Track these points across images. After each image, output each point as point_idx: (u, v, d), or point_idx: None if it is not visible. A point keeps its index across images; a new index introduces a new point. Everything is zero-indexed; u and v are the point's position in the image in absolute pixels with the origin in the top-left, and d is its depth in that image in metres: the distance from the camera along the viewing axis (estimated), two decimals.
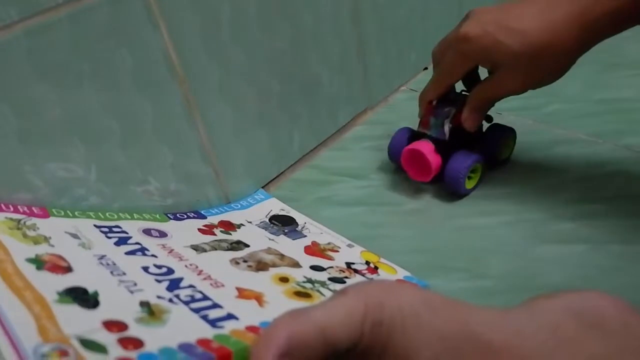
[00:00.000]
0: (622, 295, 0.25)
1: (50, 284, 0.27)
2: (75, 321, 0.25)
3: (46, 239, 0.31)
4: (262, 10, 0.46)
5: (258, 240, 0.41)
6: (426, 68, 0.70)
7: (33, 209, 0.34)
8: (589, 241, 0.42)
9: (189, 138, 0.44)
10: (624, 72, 0.62)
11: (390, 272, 0.40)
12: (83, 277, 0.29)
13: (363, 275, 0.39)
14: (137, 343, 0.24)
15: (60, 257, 0.30)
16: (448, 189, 0.48)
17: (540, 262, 0.41)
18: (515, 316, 0.26)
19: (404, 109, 0.63)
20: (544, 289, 0.28)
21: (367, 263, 0.40)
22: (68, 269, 0.29)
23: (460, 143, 0.48)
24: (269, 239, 0.41)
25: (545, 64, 0.43)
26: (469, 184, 0.48)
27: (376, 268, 0.40)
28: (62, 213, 0.35)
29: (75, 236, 0.33)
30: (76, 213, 0.36)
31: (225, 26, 0.44)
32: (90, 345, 0.23)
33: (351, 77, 0.59)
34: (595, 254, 0.41)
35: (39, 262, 0.29)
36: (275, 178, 0.53)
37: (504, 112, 0.59)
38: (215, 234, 0.40)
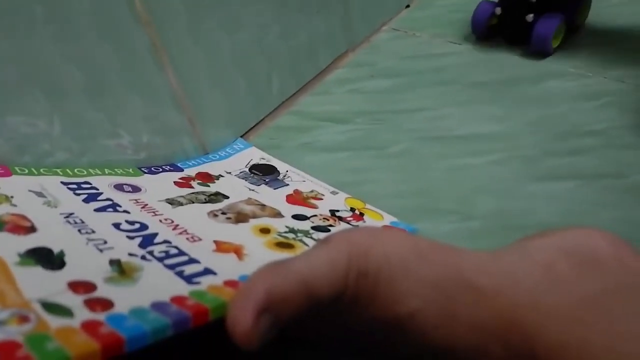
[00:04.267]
0: (616, 230, 0.24)
1: (10, 246, 0.25)
2: (38, 284, 0.23)
3: (7, 199, 0.29)
4: None
5: (238, 191, 0.39)
6: (408, 6, 0.68)
7: None
8: (580, 176, 0.41)
9: (159, 85, 0.41)
10: (613, 1, 0.60)
11: (377, 218, 0.38)
12: (47, 237, 0.27)
13: (348, 222, 0.37)
14: (105, 304, 0.22)
15: (23, 217, 0.28)
16: (536, 48, 0.53)
17: (531, 200, 0.40)
18: (507, 258, 0.25)
19: (387, 49, 0.61)
20: (535, 228, 0.27)
21: (352, 210, 0.39)
22: (31, 229, 0.27)
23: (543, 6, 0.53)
24: (250, 190, 0.40)
25: None
26: (554, 44, 0.53)
27: (362, 215, 0.38)
28: (26, 171, 0.33)
29: (40, 194, 0.31)
30: (42, 170, 0.34)
31: None
32: (53, 308, 0.21)
33: (331, 17, 0.57)
34: (587, 189, 0.40)
35: None
36: (254, 126, 0.51)
37: (490, 48, 0.57)
38: (192, 187, 0.38)
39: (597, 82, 0.49)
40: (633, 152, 0.42)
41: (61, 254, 0.26)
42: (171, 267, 0.27)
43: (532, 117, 0.47)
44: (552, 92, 0.49)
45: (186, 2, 0.41)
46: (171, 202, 0.35)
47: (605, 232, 0.26)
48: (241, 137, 0.49)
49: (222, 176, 0.41)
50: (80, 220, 0.29)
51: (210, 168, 0.42)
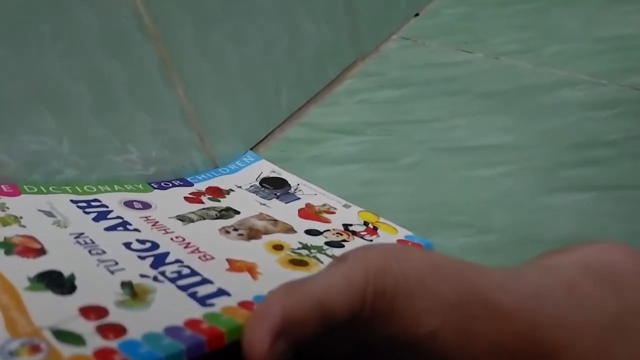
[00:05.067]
0: (633, 243, 0.24)
1: (20, 270, 0.25)
2: (49, 310, 0.22)
3: (17, 219, 0.29)
4: None
5: (249, 205, 0.38)
6: (417, 14, 0.67)
7: (2, 187, 0.32)
8: (596, 188, 0.40)
9: (168, 100, 0.41)
10: (625, 8, 0.59)
11: (391, 232, 0.38)
12: (57, 259, 0.26)
13: (362, 237, 0.37)
14: (118, 330, 0.22)
15: (32, 239, 0.27)
16: None
17: (546, 212, 0.39)
18: (528, 275, 0.24)
19: (396, 58, 0.60)
20: (551, 242, 0.26)
21: (366, 224, 0.38)
22: (41, 251, 0.27)
23: None
24: (261, 204, 0.39)
25: None
26: None
27: (375, 229, 0.38)
28: (35, 189, 0.33)
29: (49, 214, 0.31)
30: (50, 188, 0.33)
31: None
32: (65, 336, 0.21)
33: (339, 27, 0.56)
34: (603, 201, 0.39)
35: (8, 246, 0.26)
36: (264, 138, 0.50)
37: (501, 56, 0.56)
38: (203, 202, 0.38)
39: (612, 91, 0.48)
40: None
41: (72, 277, 0.25)
42: (184, 288, 0.26)
43: (544, 127, 0.46)
44: (565, 101, 0.48)
45: (194, 17, 0.41)
46: (182, 218, 0.34)
47: (625, 246, 0.26)
48: (251, 149, 0.49)
49: (232, 190, 0.41)
50: (91, 240, 0.29)
51: (221, 182, 0.42)
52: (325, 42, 0.55)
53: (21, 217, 0.29)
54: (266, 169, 0.44)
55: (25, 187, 0.33)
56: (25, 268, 0.25)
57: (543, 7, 0.63)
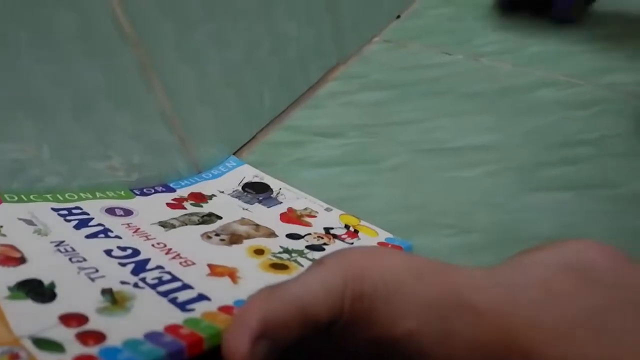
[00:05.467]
0: (612, 240, 0.24)
1: (0, 279, 0.25)
2: (29, 318, 0.22)
3: None
4: None
5: (231, 210, 0.38)
6: (399, 16, 0.67)
7: None
8: (575, 187, 0.41)
9: (149, 105, 0.41)
10: (601, 9, 0.60)
11: (372, 234, 0.38)
12: (38, 267, 0.26)
13: (343, 240, 0.37)
14: (98, 337, 0.22)
15: (13, 248, 0.27)
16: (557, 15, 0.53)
17: (527, 211, 0.40)
18: (503, 274, 0.24)
19: (378, 60, 0.60)
20: (532, 240, 0.26)
21: (347, 227, 0.39)
22: (21, 260, 0.27)
23: None
24: (243, 209, 0.39)
25: None
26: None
27: (356, 232, 0.38)
28: (16, 198, 0.33)
29: (30, 222, 0.31)
30: (32, 197, 0.33)
31: None
32: (44, 344, 0.21)
33: (321, 30, 0.56)
34: (582, 199, 0.40)
35: None
36: (247, 142, 0.51)
37: (482, 57, 0.57)
38: (185, 208, 0.38)
39: (589, 91, 0.49)
40: (627, 160, 0.42)
41: (52, 286, 0.25)
42: (164, 294, 0.26)
43: (525, 127, 0.47)
44: (545, 101, 0.49)
45: (174, 20, 0.41)
46: (164, 224, 0.34)
47: (602, 244, 0.26)
48: (234, 153, 0.49)
49: (215, 196, 0.41)
50: (71, 248, 0.29)
51: (203, 188, 0.42)
52: (307, 45, 0.55)
53: (1, 226, 0.29)
54: (249, 173, 0.45)
55: (6, 196, 0.33)
56: (5, 277, 0.25)
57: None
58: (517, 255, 0.26)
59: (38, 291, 0.25)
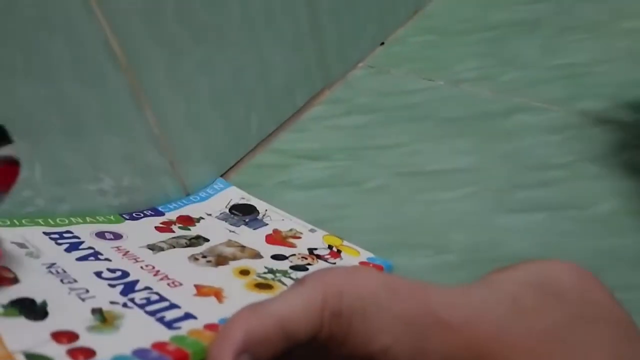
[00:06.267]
0: (583, 259, 0.26)
1: None
2: (22, 335, 0.24)
3: None
4: None
5: (218, 233, 0.40)
6: (383, 43, 0.70)
7: None
8: (549, 208, 0.43)
9: (139, 128, 0.43)
10: (578, 36, 0.62)
11: (354, 254, 0.39)
12: (30, 287, 0.27)
13: (326, 260, 0.38)
14: (88, 353, 0.23)
15: (6, 269, 0.29)
16: None
17: (503, 232, 0.41)
18: (475, 292, 0.26)
19: (362, 85, 0.62)
20: (507, 260, 0.28)
21: (330, 247, 0.40)
22: (14, 280, 0.28)
23: None
24: (230, 231, 0.41)
25: None
26: None
27: (339, 252, 0.39)
28: (8, 222, 0.34)
29: (22, 246, 0.32)
30: (24, 221, 0.35)
31: (168, 9, 0.42)
32: (37, 359, 0.22)
33: (306, 56, 0.58)
34: (555, 220, 0.42)
35: None
36: (234, 165, 0.52)
37: (462, 83, 0.59)
38: (173, 231, 0.39)
39: (562, 116, 0.51)
40: (596, 183, 0.43)
41: (44, 304, 0.26)
42: (152, 313, 0.28)
43: (501, 151, 0.49)
44: (521, 126, 0.51)
45: (164, 47, 0.43)
46: (152, 247, 0.36)
47: (570, 263, 0.28)
48: (221, 176, 0.50)
49: (202, 219, 0.42)
50: (62, 270, 0.30)
51: (191, 211, 0.43)
52: (293, 71, 0.57)
53: None
54: (235, 195, 0.46)
55: None
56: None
57: (503, 36, 0.66)
58: (490, 274, 0.27)
59: (31, 309, 0.26)
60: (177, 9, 0.43)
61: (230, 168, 0.52)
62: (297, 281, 0.26)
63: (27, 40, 0.35)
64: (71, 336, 0.24)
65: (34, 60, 0.35)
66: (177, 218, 0.41)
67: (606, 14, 0.65)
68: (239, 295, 0.32)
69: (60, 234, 0.34)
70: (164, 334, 0.26)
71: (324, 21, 0.59)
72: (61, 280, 0.29)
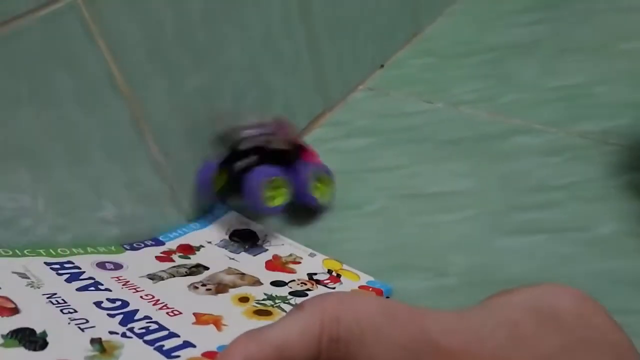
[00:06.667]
0: (582, 282, 0.26)
1: None
2: None
3: None
4: (207, 17, 0.46)
5: (218, 261, 0.40)
6: (382, 65, 0.70)
7: None
8: (548, 230, 0.43)
9: (140, 155, 0.43)
10: (575, 57, 0.63)
11: (353, 278, 0.40)
12: (31, 317, 0.28)
13: (325, 285, 0.38)
14: None
15: (7, 299, 0.29)
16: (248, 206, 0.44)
17: (502, 255, 0.42)
18: (473, 317, 0.26)
19: (362, 108, 0.63)
20: (506, 283, 0.28)
21: (330, 272, 0.40)
22: (15, 311, 0.28)
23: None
24: (230, 258, 0.41)
25: None
26: (272, 201, 0.43)
27: (339, 276, 0.40)
28: (10, 252, 0.34)
29: (24, 276, 0.32)
30: (25, 251, 0.35)
31: (169, 36, 0.43)
32: None
33: (306, 80, 0.59)
34: (554, 243, 0.42)
35: None
36: None
37: (460, 105, 0.59)
38: (173, 260, 0.39)
39: (560, 138, 0.51)
40: (595, 205, 0.43)
41: (44, 334, 0.27)
42: (151, 342, 0.28)
43: (500, 173, 0.49)
44: (519, 148, 0.51)
45: (166, 74, 0.43)
46: (152, 277, 0.36)
47: (569, 287, 0.28)
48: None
49: (202, 247, 0.42)
50: (63, 300, 0.30)
51: (192, 239, 0.43)
52: (293, 94, 0.58)
53: None
54: (236, 221, 0.46)
55: (0, 250, 0.34)
56: (0, 326, 0.26)
57: (501, 57, 0.66)
58: (488, 299, 0.28)
59: (31, 339, 0.26)
60: (177, 35, 0.43)
61: None
62: (296, 307, 0.26)
63: (32, 71, 0.35)
64: None
65: (39, 90, 0.36)
66: (178, 247, 0.42)
67: (604, 35, 0.65)
68: (238, 323, 0.32)
69: (62, 264, 0.35)
70: None
71: (323, 45, 0.60)
72: (61, 311, 0.29)
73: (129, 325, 0.29)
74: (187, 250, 0.41)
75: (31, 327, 0.27)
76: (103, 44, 0.39)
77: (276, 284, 0.38)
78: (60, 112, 0.38)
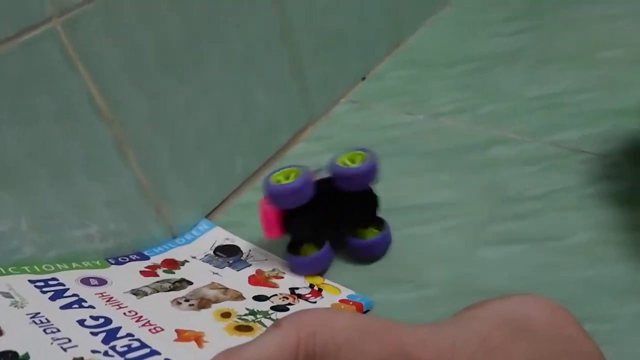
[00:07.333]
0: (560, 291, 0.26)
1: None
2: None
3: None
4: (188, 38, 0.46)
5: (202, 275, 0.41)
6: (364, 78, 0.71)
7: None
8: (526, 240, 0.43)
9: (124, 174, 0.44)
10: (555, 66, 0.64)
11: (334, 292, 0.40)
12: (14, 339, 0.28)
13: (307, 299, 0.39)
14: None
15: None
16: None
17: (481, 265, 0.42)
18: (447, 329, 0.27)
19: (344, 121, 0.64)
20: (487, 293, 0.29)
21: (312, 286, 0.41)
22: None
23: None
24: (213, 273, 0.41)
25: None
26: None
27: (320, 290, 0.40)
28: None
29: (7, 295, 0.32)
30: (10, 269, 0.35)
31: (150, 57, 0.44)
32: None
33: (289, 94, 0.60)
34: (532, 252, 0.42)
35: None
36: (219, 205, 0.53)
37: (441, 116, 0.60)
38: (157, 275, 0.40)
39: (537, 147, 0.52)
40: (572, 214, 0.44)
41: (26, 356, 0.27)
42: None
43: (480, 183, 0.50)
44: (497, 158, 0.52)
45: (146, 93, 0.44)
46: (136, 292, 0.36)
47: (540, 297, 0.28)
48: (207, 216, 0.51)
49: (187, 261, 0.43)
50: (46, 319, 0.31)
51: (177, 254, 0.44)
52: (276, 109, 0.58)
53: None
54: (220, 236, 0.47)
55: None
56: None
57: (482, 67, 0.67)
58: (462, 311, 0.28)
59: None
60: (157, 57, 0.44)
61: (216, 208, 0.53)
62: (274, 324, 0.26)
63: (13, 95, 0.36)
64: None
65: (20, 113, 0.37)
66: (162, 262, 0.42)
67: (584, 44, 0.67)
68: (219, 339, 0.32)
69: (46, 281, 0.35)
70: None
71: (305, 60, 0.61)
72: (44, 330, 0.30)
73: (112, 344, 0.29)
74: (172, 265, 0.42)
75: (14, 349, 0.27)
76: (82, 68, 0.39)
77: (258, 298, 0.38)
78: (42, 136, 0.38)
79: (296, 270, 0.42)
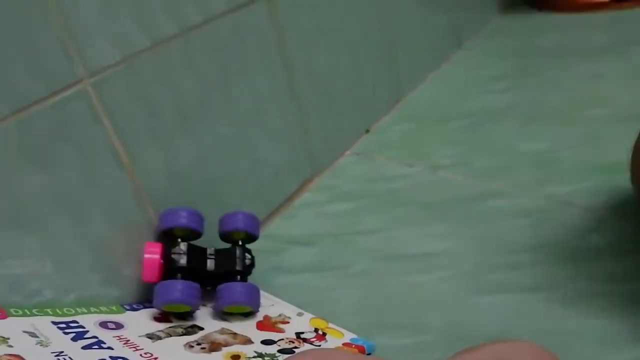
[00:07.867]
0: (549, 339, 0.29)
1: None
2: None
3: (4, 340, 0.33)
4: (200, 94, 0.50)
5: (212, 321, 0.43)
6: (368, 130, 0.75)
7: None
8: (519, 289, 0.46)
9: (140, 220, 0.46)
10: (543, 123, 0.68)
11: (338, 336, 0.42)
12: None
13: (312, 343, 0.41)
14: None
15: (19, 357, 0.32)
16: None
17: (476, 313, 0.45)
18: None
19: (348, 173, 0.67)
20: (480, 339, 0.31)
21: (316, 330, 0.43)
22: None
23: None
24: (223, 320, 0.44)
25: None
26: None
27: (324, 334, 0.42)
28: (20, 312, 0.37)
29: (33, 335, 0.35)
30: (34, 311, 0.38)
31: (166, 113, 0.47)
32: None
33: (294, 147, 0.63)
34: (525, 301, 0.45)
35: None
36: None
37: (438, 169, 0.63)
38: (170, 321, 0.42)
39: (530, 201, 0.55)
40: (562, 265, 0.47)
41: None
42: None
43: (474, 234, 0.53)
44: (492, 210, 0.55)
45: (162, 146, 0.47)
46: (151, 336, 0.39)
47: (528, 343, 0.31)
48: None
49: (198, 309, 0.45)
50: (70, 358, 0.33)
51: None
52: (282, 161, 0.62)
53: (8, 338, 0.34)
54: None
55: (11, 310, 0.37)
56: None
57: (476, 123, 0.71)
58: (455, 355, 0.31)
59: None
60: (172, 112, 0.48)
61: None
62: None
63: (41, 149, 0.39)
64: None
65: (47, 165, 0.40)
66: None
67: (570, 102, 0.71)
68: None
69: (67, 323, 0.38)
70: None
71: (311, 115, 0.65)
72: None
73: None
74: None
75: None
76: (108, 123, 0.43)
77: (266, 342, 0.41)
78: (67, 184, 0.41)
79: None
